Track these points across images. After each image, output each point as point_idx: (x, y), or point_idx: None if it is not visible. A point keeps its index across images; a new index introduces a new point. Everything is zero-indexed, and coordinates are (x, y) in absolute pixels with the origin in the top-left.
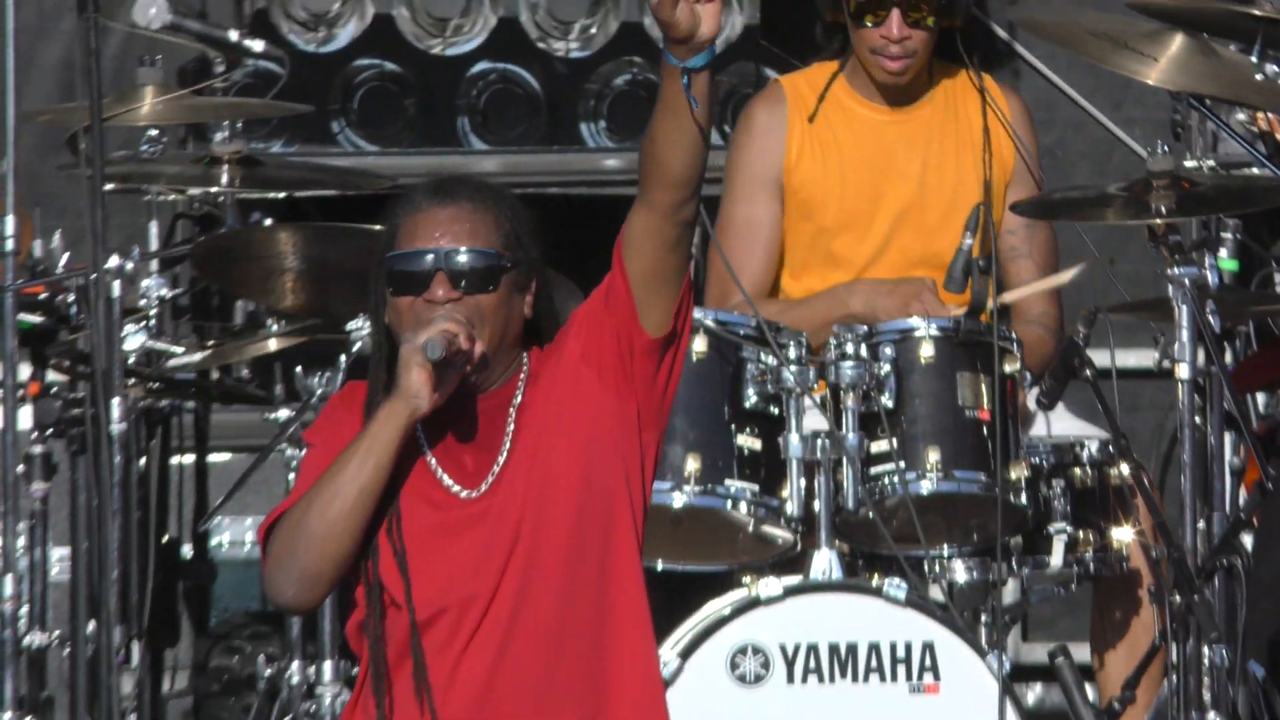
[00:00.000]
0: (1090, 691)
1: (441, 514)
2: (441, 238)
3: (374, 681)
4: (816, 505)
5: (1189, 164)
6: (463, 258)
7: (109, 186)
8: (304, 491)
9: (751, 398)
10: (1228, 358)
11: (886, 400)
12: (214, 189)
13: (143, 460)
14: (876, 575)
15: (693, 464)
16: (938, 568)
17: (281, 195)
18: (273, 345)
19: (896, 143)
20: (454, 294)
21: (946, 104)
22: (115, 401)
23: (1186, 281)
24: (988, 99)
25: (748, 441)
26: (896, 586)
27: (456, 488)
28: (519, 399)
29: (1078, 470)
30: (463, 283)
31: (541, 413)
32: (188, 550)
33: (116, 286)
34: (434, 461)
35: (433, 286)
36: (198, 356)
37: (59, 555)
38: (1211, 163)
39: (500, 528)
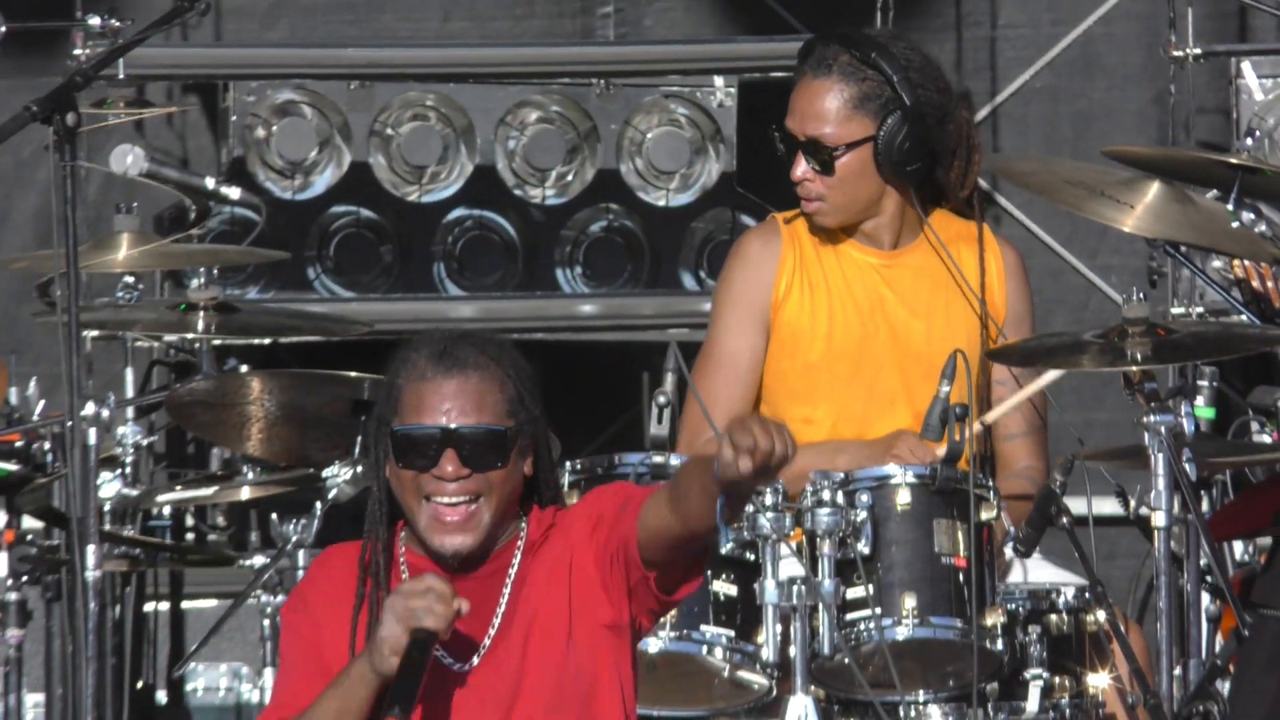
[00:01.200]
0: None
1: (435, 686)
2: (449, 412)
3: None
4: (792, 651)
5: (1176, 311)
6: (472, 435)
7: (86, 334)
8: (282, 688)
9: (727, 544)
10: (1204, 506)
11: (863, 547)
12: (190, 335)
13: (118, 607)
14: None
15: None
16: (914, 713)
17: (257, 342)
18: (246, 494)
19: (883, 285)
20: (463, 471)
21: (940, 250)
22: (90, 549)
23: (1162, 429)
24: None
25: (724, 587)
26: None
27: (449, 659)
28: (514, 570)
29: (1054, 617)
30: (471, 459)
31: (540, 591)
32: (162, 696)
33: (92, 434)
34: None
35: (441, 463)
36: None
37: (34, 702)
38: (1200, 310)
39: (490, 701)
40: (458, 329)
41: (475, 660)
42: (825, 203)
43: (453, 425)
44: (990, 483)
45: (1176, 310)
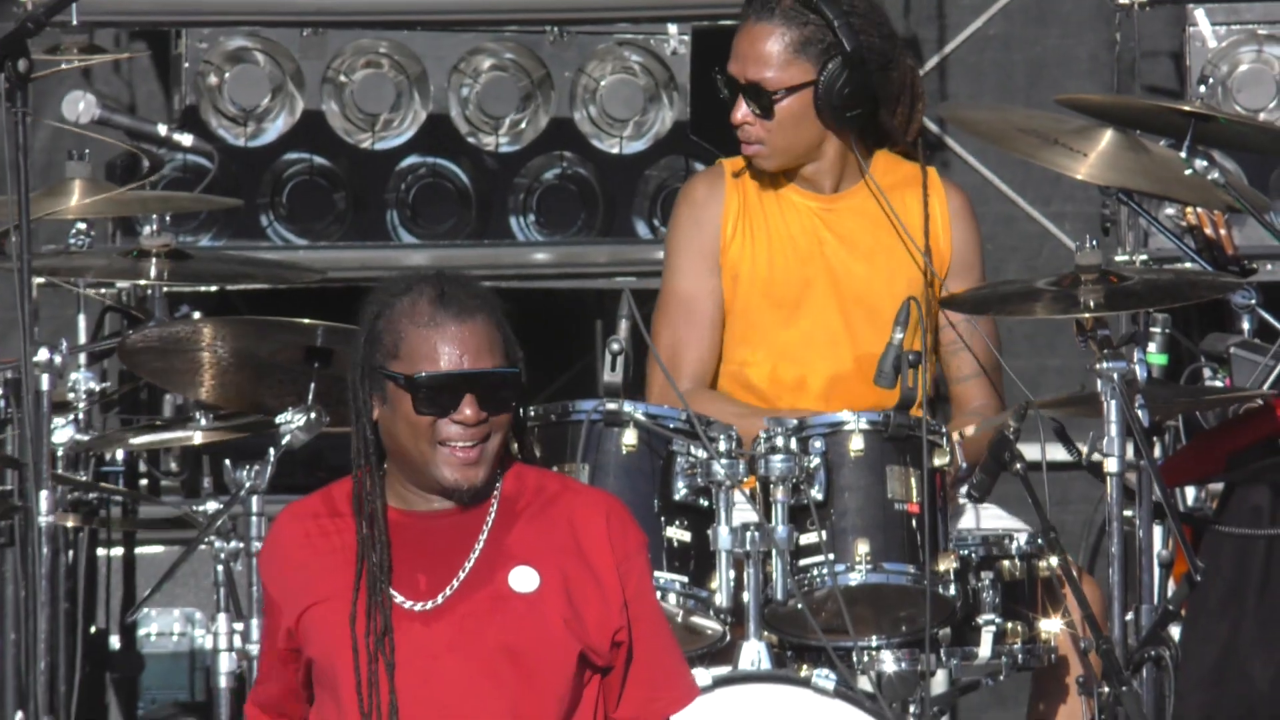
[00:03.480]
0: None
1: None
2: (464, 356)
3: None
4: (745, 596)
5: (1120, 258)
6: (490, 379)
7: (37, 280)
8: (265, 661)
9: (681, 490)
10: (1157, 451)
11: (816, 493)
12: (142, 282)
13: (70, 553)
14: (805, 666)
15: None
16: (866, 658)
17: (210, 289)
18: (199, 439)
19: (824, 229)
20: (481, 415)
21: (884, 194)
22: (44, 494)
23: (1115, 376)
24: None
25: (677, 533)
26: (825, 677)
27: (408, 603)
28: (492, 517)
29: (1007, 563)
30: (488, 402)
31: (526, 546)
32: (116, 641)
33: (45, 380)
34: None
35: (461, 407)
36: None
37: None
38: (1144, 257)
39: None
40: (440, 269)
41: (440, 600)
42: (765, 146)
43: (473, 370)
44: (943, 429)
45: (1120, 258)
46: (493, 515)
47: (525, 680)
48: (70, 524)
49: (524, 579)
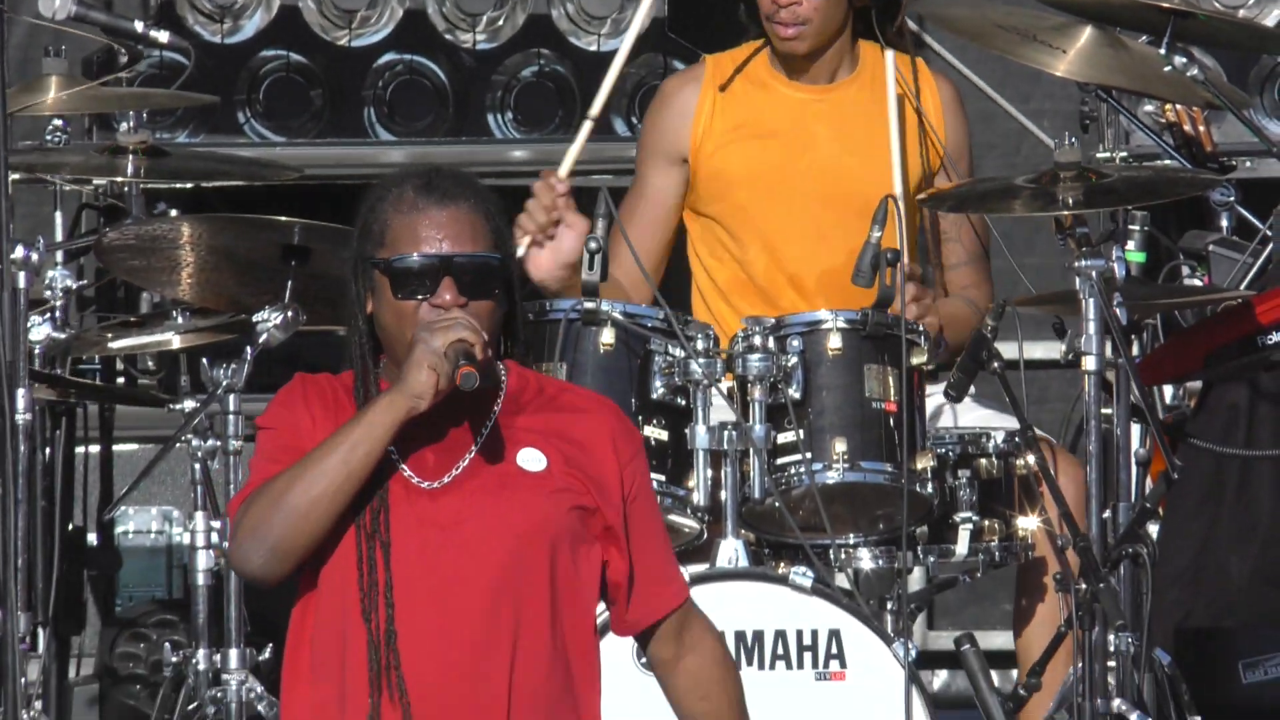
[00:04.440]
0: (996, 678)
1: (398, 503)
2: (444, 240)
3: (372, 669)
4: (723, 495)
5: (1100, 155)
6: (469, 263)
7: (13, 176)
8: (265, 473)
9: (659, 389)
10: (1135, 350)
11: (794, 392)
12: (119, 179)
13: (48, 450)
14: (783, 564)
15: None
16: (843, 556)
17: (187, 186)
18: (177, 343)
19: (815, 121)
20: (460, 299)
21: (873, 85)
22: (21, 392)
23: (1094, 274)
24: (900, 77)
25: (654, 432)
26: (803, 574)
27: (416, 478)
28: (498, 408)
29: (984, 461)
30: (468, 288)
31: (535, 438)
32: (93, 539)
33: (22, 277)
34: (395, 453)
35: (440, 291)
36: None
37: None
38: (1123, 154)
39: (451, 523)
40: (427, 165)
41: (446, 480)
42: (810, 26)
43: (450, 253)
44: (920, 327)
45: (1101, 155)
46: (499, 404)
47: (523, 555)
48: (51, 397)
49: (532, 459)
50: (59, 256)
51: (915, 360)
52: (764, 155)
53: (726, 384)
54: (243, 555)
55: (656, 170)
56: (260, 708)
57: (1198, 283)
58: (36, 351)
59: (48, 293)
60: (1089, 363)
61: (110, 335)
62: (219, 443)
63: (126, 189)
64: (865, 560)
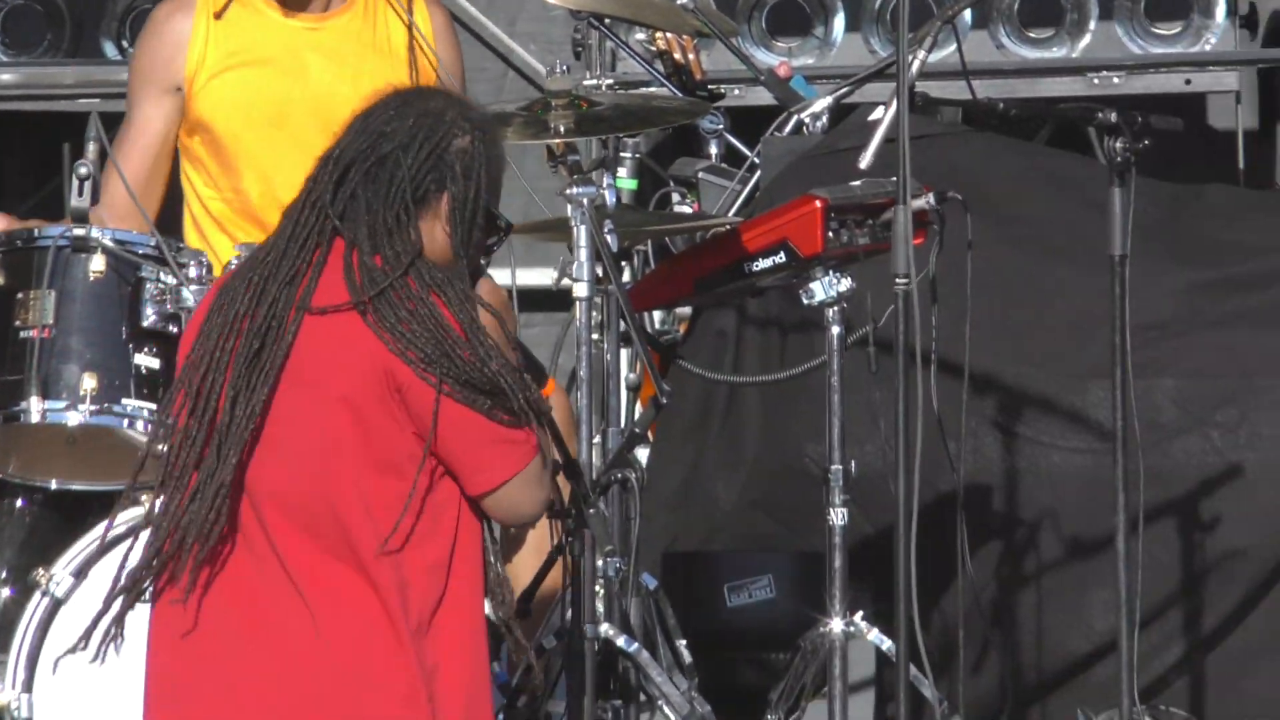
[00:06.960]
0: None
1: None
2: None
3: None
4: None
5: (589, 83)
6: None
7: None
8: None
9: (150, 317)
10: (625, 276)
11: None
12: None
13: None
14: None
15: (89, 383)
16: None
17: None
18: None
19: (309, 50)
20: None
21: (366, 14)
22: None
23: (585, 201)
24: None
25: (146, 360)
26: None
27: None
28: None
29: None
30: None
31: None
32: None
33: None
34: None
35: None
36: None
37: None
38: (610, 81)
39: None
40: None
41: None
42: None
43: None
44: None
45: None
46: None
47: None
48: None
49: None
50: None
51: None
52: (258, 83)
53: None
54: None
55: (150, 99)
56: None
57: (687, 209)
58: None
59: None
60: (580, 289)
61: None
62: None
63: None
64: None
